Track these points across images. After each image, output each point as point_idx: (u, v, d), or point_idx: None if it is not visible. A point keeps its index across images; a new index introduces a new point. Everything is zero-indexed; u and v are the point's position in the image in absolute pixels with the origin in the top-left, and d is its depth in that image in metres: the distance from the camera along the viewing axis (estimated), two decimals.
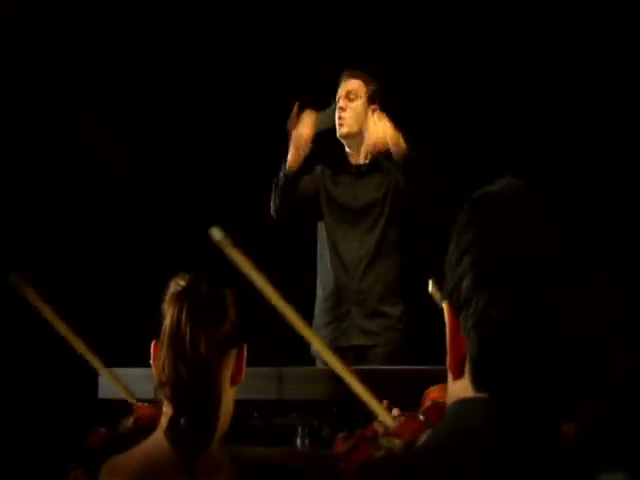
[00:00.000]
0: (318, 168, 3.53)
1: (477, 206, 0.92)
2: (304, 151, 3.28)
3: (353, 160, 3.48)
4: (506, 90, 3.87)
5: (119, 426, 1.62)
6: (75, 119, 4.16)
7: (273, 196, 3.33)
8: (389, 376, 2.53)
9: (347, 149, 3.47)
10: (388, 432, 0.98)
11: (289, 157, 3.28)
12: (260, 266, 1.67)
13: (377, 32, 3.94)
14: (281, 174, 3.30)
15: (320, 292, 3.47)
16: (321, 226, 3.49)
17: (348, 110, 3.35)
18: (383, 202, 3.39)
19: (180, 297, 1.51)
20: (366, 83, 3.38)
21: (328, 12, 3.91)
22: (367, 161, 3.46)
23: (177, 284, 1.56)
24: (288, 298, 1.69)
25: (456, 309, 0.89)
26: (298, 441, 2.68)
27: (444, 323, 0.90)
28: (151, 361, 1.57)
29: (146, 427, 1.56)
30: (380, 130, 3.18)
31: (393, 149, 3.20)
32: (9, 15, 3.77)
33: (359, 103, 3.37)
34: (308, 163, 3.37)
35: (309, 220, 3.52)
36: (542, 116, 3.81)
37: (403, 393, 2.45)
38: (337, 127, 3.38)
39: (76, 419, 3.33)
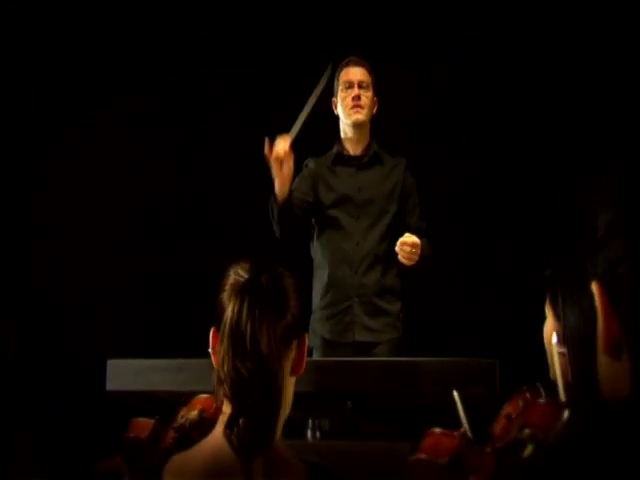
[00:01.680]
0: (309, 163, 3.46)
1: (612, 187, 0.88)
2: (287, 176, 3.07)
3: (352, 150, 3.44)
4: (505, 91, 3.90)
5: (177, 418, 1.58)
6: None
7: (273, 225, 3.22)
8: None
9: (348, 136, 3.43)
10: (522, 422, 0.93)
11: (276, 188, 3.10)
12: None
13: (374, 34, 3.94)
14: (273, 206, 3.16)
15: (318, 286, 3.40)
16: (316, 217, 3.41)
17: (364, 98, 3.34)
18: (389, 198, 3.38)
19: (241, 291, 1.46)
20: (370, 73, 3.38)
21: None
22: (369, 152, 3.44)
23: (238, 274, 1.50)
24: None
25: (609, 292, 0.87)
26: (309, 434, 2.66)
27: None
28: (210, 350, 1.52)
29: (211, 420, 1.52)
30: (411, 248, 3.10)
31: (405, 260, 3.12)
32: None
33: (371, 92, 3.37)
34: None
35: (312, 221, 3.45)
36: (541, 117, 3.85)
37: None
38: (351, 113, 3.35)
39: (84, 410, 3.27)
